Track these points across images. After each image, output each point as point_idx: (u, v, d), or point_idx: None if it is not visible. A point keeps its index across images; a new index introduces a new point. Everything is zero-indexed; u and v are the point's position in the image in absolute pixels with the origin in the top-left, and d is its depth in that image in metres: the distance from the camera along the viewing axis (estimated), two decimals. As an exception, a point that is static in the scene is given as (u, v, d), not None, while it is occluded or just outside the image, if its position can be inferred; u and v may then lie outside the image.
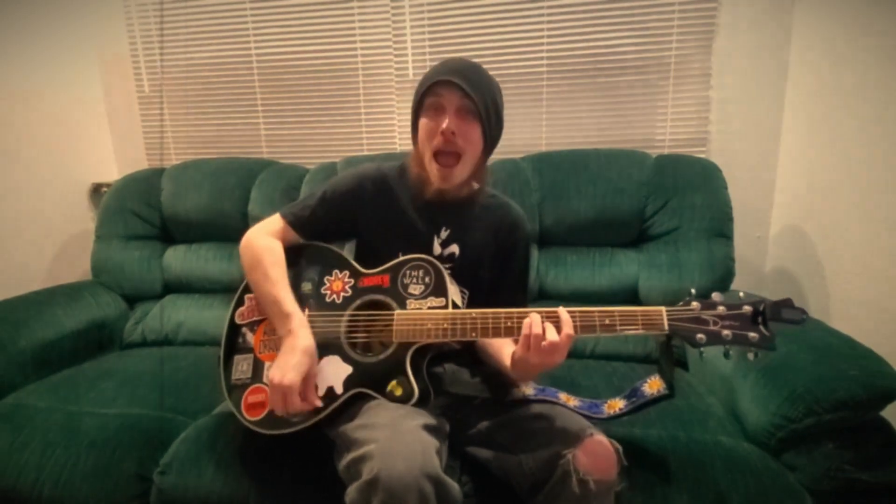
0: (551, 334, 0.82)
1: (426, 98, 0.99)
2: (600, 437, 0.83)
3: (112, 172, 2.08)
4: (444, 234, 1.06)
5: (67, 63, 1.94)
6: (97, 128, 2.06)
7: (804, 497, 0.92)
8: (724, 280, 1.46)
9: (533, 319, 0.84)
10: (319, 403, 0.93)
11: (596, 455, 0.81)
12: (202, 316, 1.66)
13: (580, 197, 1.54)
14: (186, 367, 1.42)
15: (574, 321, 0.84)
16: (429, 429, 0.84)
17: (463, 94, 0.95)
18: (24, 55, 1.81)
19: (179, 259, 1.75)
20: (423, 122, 1.00)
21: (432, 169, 1.00)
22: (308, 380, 0.92)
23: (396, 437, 0.79)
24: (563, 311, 0.84)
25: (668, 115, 1.73)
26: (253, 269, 1.04)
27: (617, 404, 0.91)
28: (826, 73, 1.43)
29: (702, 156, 1.67)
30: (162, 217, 1.78)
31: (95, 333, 1.59)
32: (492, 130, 1.02)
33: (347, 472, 0.81)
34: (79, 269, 1.91)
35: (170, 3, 1.94)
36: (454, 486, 0.78)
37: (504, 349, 0.99)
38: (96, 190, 2.04)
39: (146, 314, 1.71)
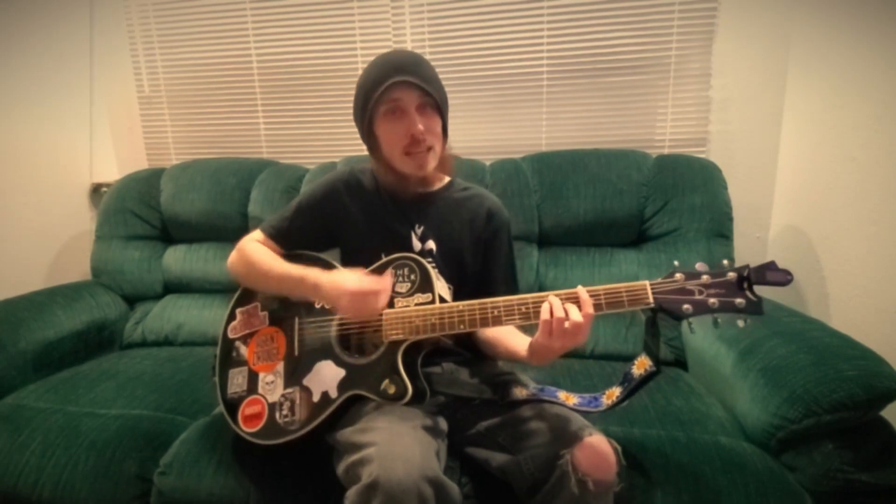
0: (574, 315, 0.81)
1: (381, 104, 0.97)
2: (599, 438, 0.83)
3: (112, 172, 2.08)
4: (419, 230, 1.07)
5: (67, 63, 1.94)
6: (97, 128, 2.06)
7: (804, 497, 0.92)
8: (723, 280, 1.46)
9: (552, 303, 0.83)
10: (389, 282, 0.92)
11: (594, 455, 0.81)
12: (202, 316, 1.66)
13: (580, 197, 1.54)
14: (187, 367, 1.42)
15: (599, 300, 0.83)
16: (427, 430, 0.84)
17: (422, 91, 0.96)
18: (23, 55, 1.81)
19: (179, 259, 1.75)
20: (384, 128, 1.00)
21: (406, 163, 1.01)
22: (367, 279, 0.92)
23: (395, 440, 0.79)
24: (582, 291, 0.83)
25: (668, 115, 1.73)
26: (250, 269, 1.05)
27: (614, 393, 0.91)
28: (826, 72, 1.43)
29: (702, 156, 1.67)
30: (162, 217, 1.78)
31: (95, 334, 1.59)
32: (447, 119, 1.04)
33: (346, 475, 0.81)
34: (79, 269, 1.91)
35: (170, 3, 1.94)
36: (454, 487, 0.78)
37: (513, 339, 0.99)
38: (96, 190, 2.04)
39: (146, 314, 1.71)
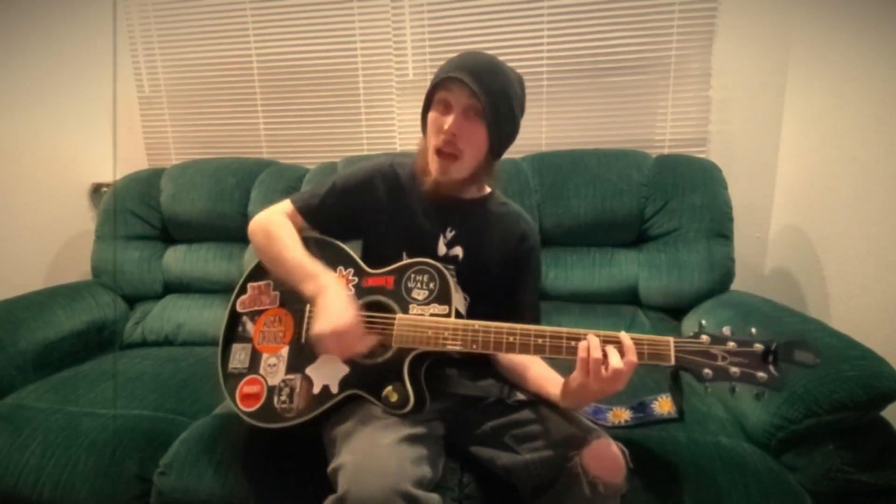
0: (615, 360, 0.78)
1: (437, 92, 0.97)
2: (607, 441, 0.83)
3: (112, 172, 2.08)
4: (449, 234, 1.04)
5: (67, 63, 1.93)
6: (97, 128, 2.06)
7: (804, 498, 0.92)
8: (723, 280, 1.46)
9: (591, 343, 0.80)
10: (370, 344, 0.90)
11: (604, 458, 0.81)
12: (202, 316, 1.66)
13: (580, 197, 1.54)
14: (186, 367, 1.41)
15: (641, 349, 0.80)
16: (412, 439, 0.83)
17: (471, 93, 0.92)
18: (23, 55, 1.81)
19: (179, 259, 1.75)
20: (431, 115, 0.98)
21: (433, 161, 0.98)
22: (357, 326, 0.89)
23: (373, 451, 0.78)
24: (625, 337, 0.80)
25: (668, 115, 1.73)
26: (269, 242, 1.01)
27: (622, 414, 0.90)
28: (826, 72, 1.43)
29: (702, 156, 1.67)
30: (162, 217, 1.78)
31: (95, 334, 1.59)
32: (501, 133, 0.98)
33: (332, 476, 0.81)
34: (79, 269, 1.91)
35: (170, 3, 1.94)
36: (432, 498, 0.78)
37: (546, 374, 0.95)
38: (96, 190, 2.03)
39: (146, 315, 1.71)
